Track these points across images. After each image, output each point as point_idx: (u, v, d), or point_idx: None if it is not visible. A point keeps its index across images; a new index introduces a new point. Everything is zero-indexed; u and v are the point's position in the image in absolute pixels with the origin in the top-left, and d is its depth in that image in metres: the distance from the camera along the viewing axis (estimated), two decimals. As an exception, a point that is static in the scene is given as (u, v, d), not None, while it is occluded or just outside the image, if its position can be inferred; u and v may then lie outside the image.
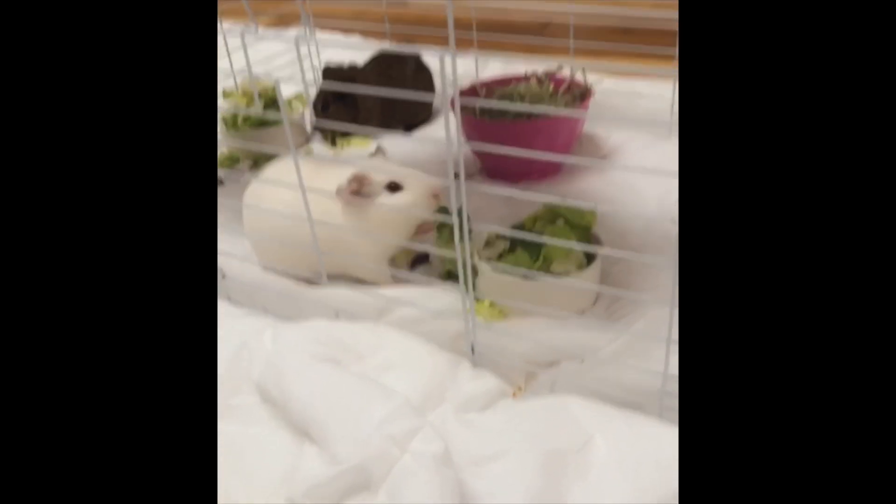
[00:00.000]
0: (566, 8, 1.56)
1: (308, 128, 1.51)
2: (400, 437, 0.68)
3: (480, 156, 1.31)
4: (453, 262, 0.94)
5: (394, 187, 0.92)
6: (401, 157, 1.23)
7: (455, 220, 0.71)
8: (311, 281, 0.98)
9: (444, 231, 0.93)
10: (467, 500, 0.67)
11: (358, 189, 0.90)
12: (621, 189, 1.21)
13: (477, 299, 0.89)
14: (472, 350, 0.82)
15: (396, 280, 0.98)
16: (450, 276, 0.96)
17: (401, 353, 0.84)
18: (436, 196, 0.91)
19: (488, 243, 0.94)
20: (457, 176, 0.67)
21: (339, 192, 0.90)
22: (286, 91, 1.55)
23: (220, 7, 1.29)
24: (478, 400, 0.80)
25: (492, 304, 0.89)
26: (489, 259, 0.91)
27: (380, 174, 0.92)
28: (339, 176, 0.95)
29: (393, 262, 0.99)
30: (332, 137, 1.47)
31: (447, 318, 0.86)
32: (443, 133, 1.13)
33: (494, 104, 0.66)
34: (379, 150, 0.99)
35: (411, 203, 0.91)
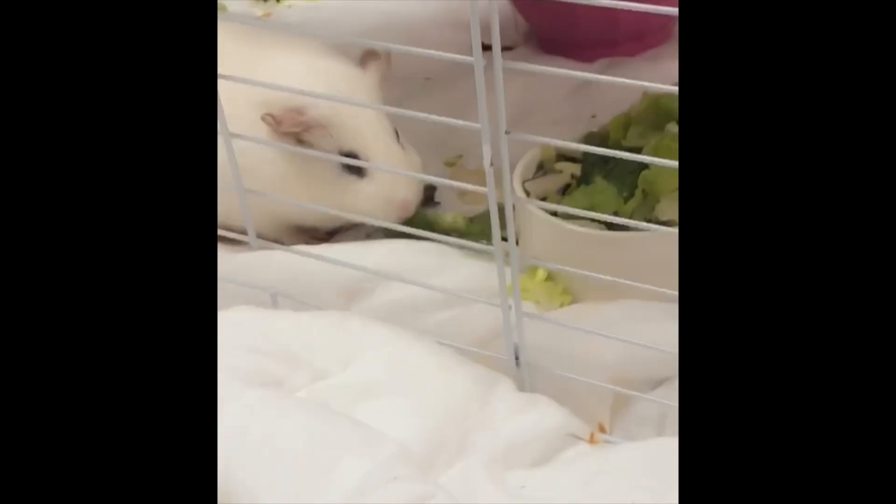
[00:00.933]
0: None
1: None
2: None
3: (529, 10, 1.19)
4: (476, 201, 0.90)
5: (352, 166, 0.84)
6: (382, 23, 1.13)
7: (484, 126, 0.60)
8: (227, 240, 0.83)
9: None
10: None
11: (297, 132, 0.83)
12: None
13: (524, 268, 0.82)
14: (517, 358, 0.72)
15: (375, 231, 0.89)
16: (471, 229, 0.88)
17: (390, 366, 0.72)
18: (404, 206, 0.86)
19: (542, 168, 0.87)
20: (487, 48, 0.57)
21: (266, 118, 0.81)
22: None
23: None
24: (528, 448, 0.69)
25: (550, 278, 0.82)
26: (544, 196, 0.85)
27: (339, 119, 0.83)
28: (278, 59, 0.86)
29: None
30: None
31: (470, 303, 0.76)
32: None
33: None
34: (374, 54, 0.89)
35: (367, 199, 0.85)
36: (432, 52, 0.63)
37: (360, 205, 0.83)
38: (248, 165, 0.81)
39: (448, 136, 0.96)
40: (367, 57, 0.88)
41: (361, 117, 0.84)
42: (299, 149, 0.83)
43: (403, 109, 0.72)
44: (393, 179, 0.85)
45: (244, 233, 0.78)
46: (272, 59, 0.86)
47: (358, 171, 0.85)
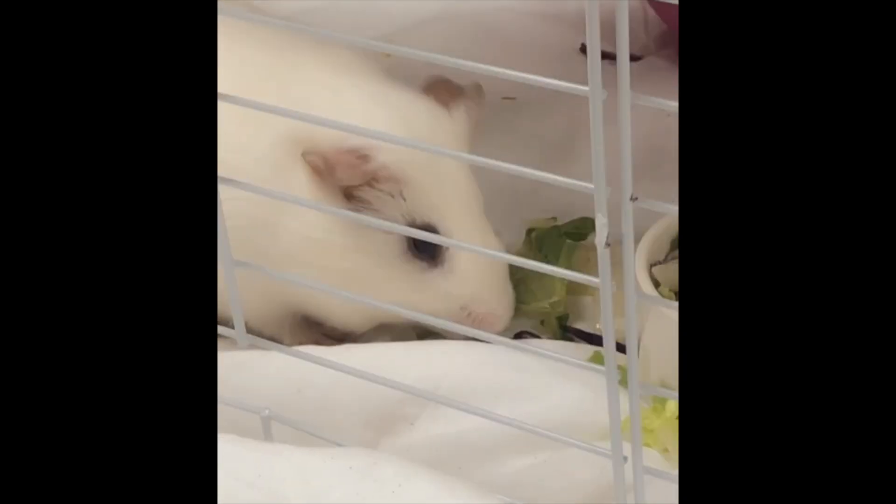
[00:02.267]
0: None
1: None
2: None
3: (667, 8, 1.12)
4: (567, 290, 0.78)
5: (424, 248, 0.71)
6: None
7: (600, 187, 0.46)
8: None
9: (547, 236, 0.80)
10: None
11: (352, 186, 0.69)
12: None
13: (647, 398, 0.73)
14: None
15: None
16: (563, 329, 0.78)
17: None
18: (488, 320, 0.72)
19: (677, 247, 0.81)
20: (606, 56, 0.42)
21: (311, 158, 0.67)
22: None
23: None
24: None
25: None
26: (676, 291, 0.77)
27: (416, 174, 0.70)
28: (318, 77, 0.73)
29: None
30: None
31: (565, 446, 0.63)
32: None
33: None
34: (458, 90, 0.75)
35: (436, 299, 0.71)
36: (521, 74, 0.45)
37: (425, 304, 0.70)
38: (266, 226, 0.70)
39: (536, 189, 0.79)
40: (444, 90, 0.72)
41: (447, 178, 0.70)
42: (345, 213, 0.66)
43: (480, 156, 0.54)
44: (479, 276, 0.71)
45: (227, 324, 0.61)
46: (306, 74, 0.71)
47: (431, 256, 0.71)
